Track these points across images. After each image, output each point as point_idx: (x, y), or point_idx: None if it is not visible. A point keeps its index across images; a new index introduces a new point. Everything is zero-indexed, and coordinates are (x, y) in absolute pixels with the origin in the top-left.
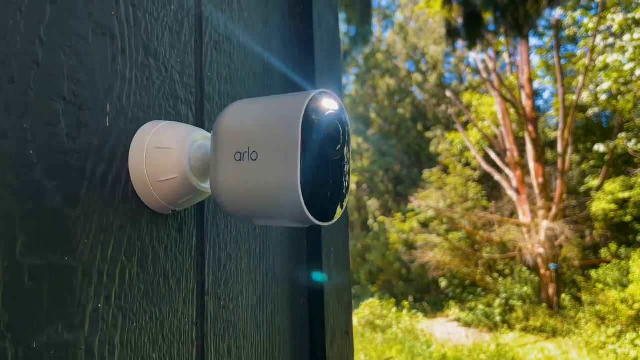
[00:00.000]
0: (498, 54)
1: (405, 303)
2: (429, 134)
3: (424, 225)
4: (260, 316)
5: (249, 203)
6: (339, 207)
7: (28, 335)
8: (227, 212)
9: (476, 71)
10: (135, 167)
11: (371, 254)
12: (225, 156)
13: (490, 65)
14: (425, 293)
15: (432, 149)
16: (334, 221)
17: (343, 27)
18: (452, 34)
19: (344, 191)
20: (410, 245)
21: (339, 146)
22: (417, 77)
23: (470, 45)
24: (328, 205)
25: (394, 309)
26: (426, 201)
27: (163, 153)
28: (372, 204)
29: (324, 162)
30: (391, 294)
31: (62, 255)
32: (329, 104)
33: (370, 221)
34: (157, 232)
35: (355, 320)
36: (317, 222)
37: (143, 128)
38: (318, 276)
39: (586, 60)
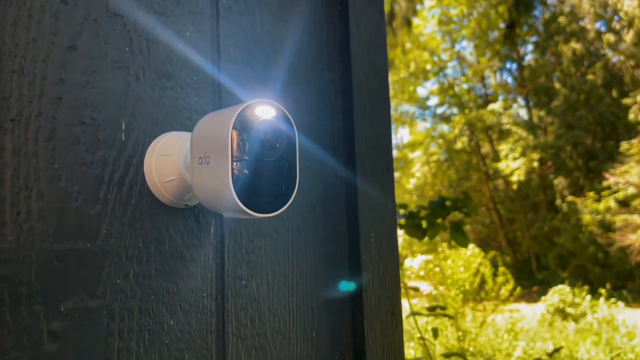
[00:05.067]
0: None
1: (602, 290)
2: (627, 101)
3: (623, 204)
4: (289, 294)
5: (211, 200)
6: (282, 199)
7: (56, 301)
8: (206, 207)
9: None
10: (148, 172)
11: (560, 237)
12: (194, 160)
13: None
14: (627, 280)
15: (631, 117)
16: (279, 211)
17: None
18: None
19: (289, 184)
20: (606, 227)
21: (277, 148)
22: (610, 37)
23: None
24: (268, 199)
25: (588, 297)
26: (625, 177)
27: (165, 159)
28: (559, 182)
29: (259, 163)
30: (585, 280)
31: (84, 242)
32: (263, 112)
33: (558, 201)
34: (174, 223)
35: (542, 307)
36: (258, 215)
37: (155, 140)
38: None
39: None
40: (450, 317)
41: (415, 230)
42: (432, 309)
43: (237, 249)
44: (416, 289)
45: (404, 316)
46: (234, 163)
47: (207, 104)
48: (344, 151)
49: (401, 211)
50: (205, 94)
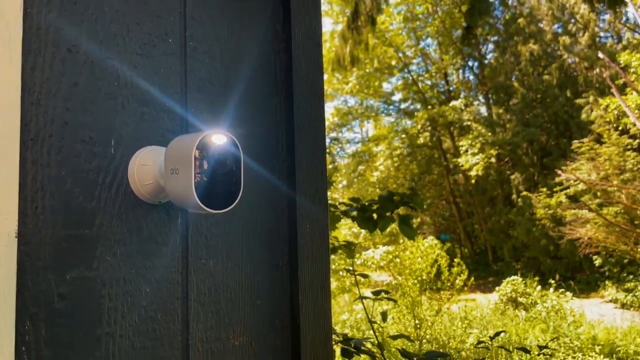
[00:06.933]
0: None
1: (551, 281)
2: (579, 101)
3: (574, 199)
4: (239, 271)
5: (180, 200)
6: (231, 200)
7: (63, 271)
8: (176, 204)
9: (636, 28)
10: (130, 177)
11: (515, 230)
12: (167, 171)
13: None
14: (576, 272)
15: (583, 116)
16: (229, 208)
17: None
18: None
19: (236, 189)
20: (558, 221)
21: (227, 164)
22: (565, 39)
23: None
24: (220, 201)
25: (538, 287)
26: (575, 174)
27: (144, 168)
28: (515, 177)
29: (213, 175)
30: (537, 271)
31: (84, 229)
32: (217, 139)
33: (514, 196)
34: (150, 216)
35: (496, 297)
36: (213, 211)
37: (136, 153)
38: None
39: None
40: (394, 300)
41: (366, 222)
42: (376, 293)
43: (198, 236)
44: (365, 276)
45: (356, 304)
46: (196, 174)
47: (177, 125)
48: (287, 159)
49: (354, 205)
50: (175, 116)
